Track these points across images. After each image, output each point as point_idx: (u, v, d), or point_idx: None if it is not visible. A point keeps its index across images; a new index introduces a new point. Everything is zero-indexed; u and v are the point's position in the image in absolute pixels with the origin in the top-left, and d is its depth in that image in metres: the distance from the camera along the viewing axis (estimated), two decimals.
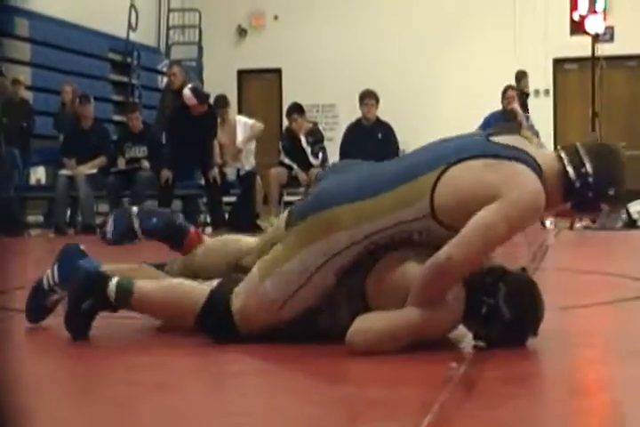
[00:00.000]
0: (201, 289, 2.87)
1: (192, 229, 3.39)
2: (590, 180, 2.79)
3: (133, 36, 15.33)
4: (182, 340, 2.93)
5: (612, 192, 2.85)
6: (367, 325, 2.67)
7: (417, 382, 2.46)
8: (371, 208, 2.71)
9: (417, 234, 2.72)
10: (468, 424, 2.00)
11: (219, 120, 10.30)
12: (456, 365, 2.52)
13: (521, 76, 11.20)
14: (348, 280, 2.77)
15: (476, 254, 2.65)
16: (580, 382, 2.55)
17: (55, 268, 3.10)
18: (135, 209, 3.43)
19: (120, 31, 15.03)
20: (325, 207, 2.74)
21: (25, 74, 11.99)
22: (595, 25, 9.93)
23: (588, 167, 2.79)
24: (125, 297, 2.88)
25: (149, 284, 2.93)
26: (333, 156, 10.32)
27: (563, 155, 2.82)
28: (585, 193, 2.80)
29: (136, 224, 3.38)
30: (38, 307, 3.15)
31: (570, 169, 2.79)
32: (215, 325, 2.81)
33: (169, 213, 3.51)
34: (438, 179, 2.70)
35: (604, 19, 10.11)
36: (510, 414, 2.10)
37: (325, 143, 10.50)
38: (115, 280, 2.89)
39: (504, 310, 2.73)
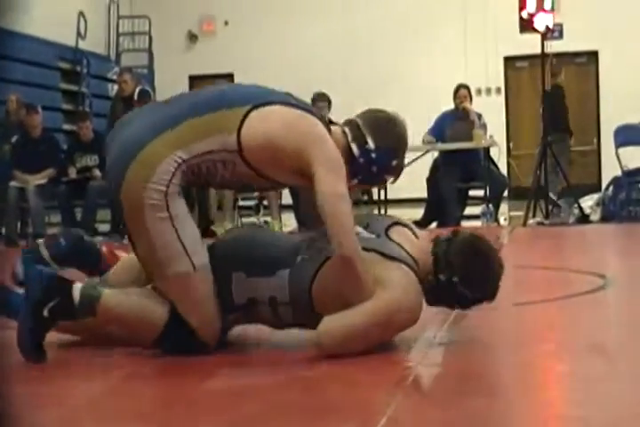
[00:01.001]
0: (162, 308, 2.75)
1: (104, 248, 3.21)
2: (373, 155, 2.88)
3: (83, 44, 15.23)
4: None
5: (394, 163, 2.93)
6: (335, 325, 2.64)
7: (372, 383, 2.46)
8: (173, 137, 2.71)
9: (221, 164, 2.73)
10: (423, 423, 2.00)
11: None
12: (412, 364, 2.52)
13: (558, 71, 11.25)
14: (294, 279, 2.76)
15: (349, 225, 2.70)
16: (534, 377, 2.56)
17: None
18: (41, 240, 3.20)
19: (69, 39, 14.94)
20: (138, 148, 2.70)
21: None
22: (543, 22, 9.96)
23: (370, 143, 2.88)
24: (91, 302, 2.72)
25: (118, 292, 2.79)
26: None
27: (347, 130, 2.91)
28: (369, 168, 2.89)
29: (44, 253, 3.09)
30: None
31: (354, 146, 2.88)
32: (179, 339, 2.73)
33: (78, 232, 3.29)
34: (245, 116, 2.73)
35: (553, 16, 10.17)
36: (464, 414, 2.11)
37: None
38: (79, 284, 2.75)
39: (468, 295, 2.83)
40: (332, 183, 2.68)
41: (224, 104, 2.75)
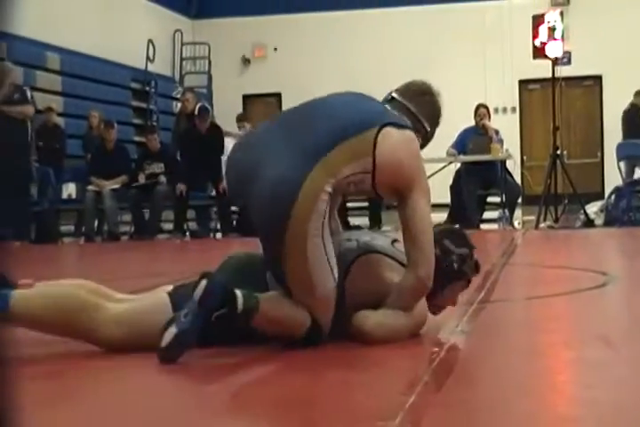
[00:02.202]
0: (305, 315, 2.58)
1: (21, 282, 2.74)
2: (428, 136, 2.91)
3: (151, 67, 15.35)
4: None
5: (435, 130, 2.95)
6: (387, 320, 2.63)
7: (401, 365, 2.45)
8: (330, 165, 2.53)
9: (353, 185, 2.61)
10: (448, 402, 1.99)
11: (242, 132, 10.50)
12: (437, 349, 2.51)
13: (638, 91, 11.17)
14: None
15: (433, 264, 2.65)
16: (546, 363, 2.54)
17: None
18: None
19: (140, 63, 15.05)
20: (301, 181, 2.48)
21: (57, 102, 11.99)
22: (554, 50, 9.89)
23: (427, 126, 2.90)
24: (251, 312, 2.48)
25: (270, 301, 2.54)
26: None
27: (407, 122, 2.81)
28: (426, 144, 2.89)
29: None
30: None
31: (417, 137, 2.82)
32: (313, 340, 2.60)
33: None
34: (376, 138, 2.63)
35: (563, 44, 10.09)
36: (484, 393, 2.09)
37: None
38: (239, 293, 2.47)
39: (463, 252, 2.81)
40: (428, 215, 2.66)
41: (358, 128, 2.62)
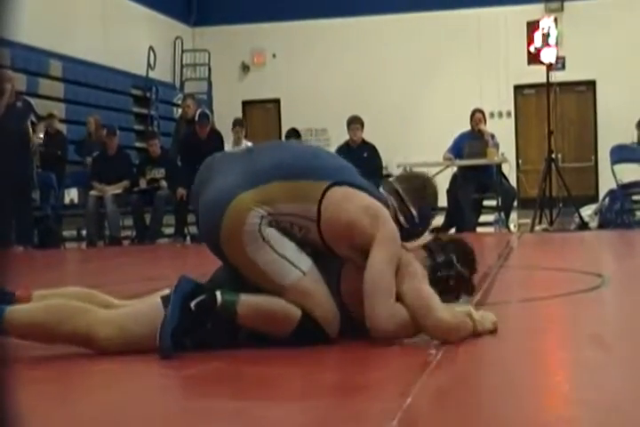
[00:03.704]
0: (295, 309, 2.60)
1: (19, 292, 2.74)
2: (417, 221, 2.88)
3: (152, 74, 15.37)
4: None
5: (432, 220, 2.97)
6: (399, 313, 2.60)
7: (399, 367, 2.44)
8: (266, 193, 2.60)
9: (297, 228, 2.64)
10: (445, 403, 1.99)
11: (235, 137, 10.40)
12: (434, 351, 2.50)
13: None
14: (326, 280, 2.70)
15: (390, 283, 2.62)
16: (541, 364, 2.54)
17: None
18: None
19: (141, 70, 15.07)
20: (226, 201, 2.58)
21: (59, 109, 11.99)
22: (548, 56, 9.91)
23: (414, 212, 2.88)
24: (232, 304, 2.54)
25: (251, 296, 2.59)
26: None
27: (393, 203, 2.86)
28: (414, 230, 2.89)
29: None
30: None
31: (401, 218, 2.85)
32: (311, 336, 2.59)
33: None
34: (325, 191, 2.65)
35: (557, 50, 10.11)
36: (482, 393, 2.09)
37: None
38: (218, 291, 2.57)
39: (464, 272, 2.84)
40: (382, 273, 2.61)
41: (310, 174, 2.67)
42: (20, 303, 2.66)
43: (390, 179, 3.02)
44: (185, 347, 2.53)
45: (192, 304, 2.50)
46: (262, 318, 2.57)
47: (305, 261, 2.63)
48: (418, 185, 2.94)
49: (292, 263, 2.61)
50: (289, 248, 2.62)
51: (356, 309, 2.66)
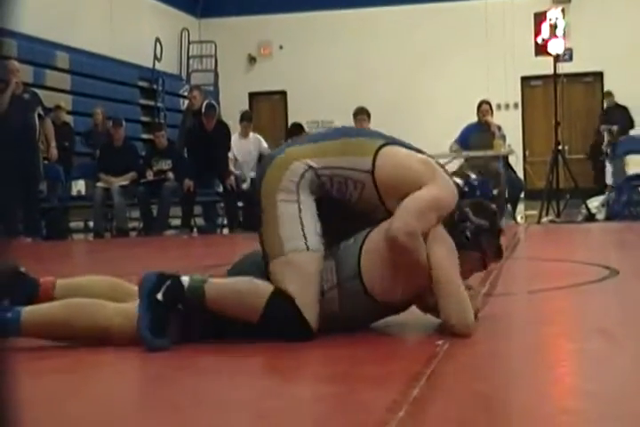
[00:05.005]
0: (265, 287, 2.54)
1: (42, 280, 2.73)
2: (475, 183, 2.85)
3: (159, 66, 15.37)
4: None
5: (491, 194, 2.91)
6: (467, 308, 2.58)
7: (406, 358, 2.44)
8: (319, 147, 2.70)
9: (352, 184, 2.65)
10: (452, 394, 1.99)
11: (242, 131, 10.39)
12: (441, 342, 2.51)
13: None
14: (340, 260, 2.64)
15: (421, 220, 2.59)
16: (548, 355, 2.54)
17: None
18: None
19: (147, 62, 15.07)
20: (273, 158, 2.70)
21: (66, 101, 12.01)
22: (556, 47, 9.88)
23: (473, 180, 2.87)
24: (200, 285, 2.51)
25: (222, 279, 2.60)
26: None
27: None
28: (473, 195, 2.84)
29: None
30: None
31: (457, 179, 2.83)
32: (282, 318, 2.50)
33: (14, 265, 2.69)
34: (381, 146, 2.70)
35: (564, 41, 10.08)
36: (488, 384, 2.10)
37: None
38: (186, 276, 2.56)
39: (482, 222, 2.75)
40: (449, 262, 2.60)
41: (362, 134, 2.81)
42: (43, 290, 2.67)
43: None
44: (172, 338, 2.49)
45: (158, 296, 2.48)
46: (229, 299, 2.51)
47: (316, 243, 2.60)
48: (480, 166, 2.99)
49: (305, 235, 2.58)
50: (311, 222, 2.61)
51: (375, 281, 2.60)
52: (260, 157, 9.84)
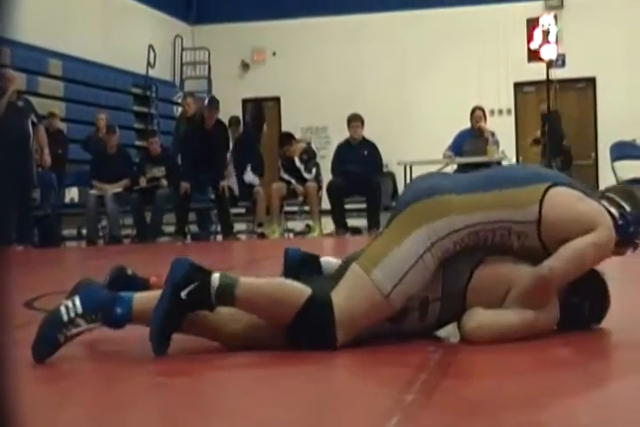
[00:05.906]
0: (301, 290, 2.49)
1: (153, 278, 2.81)
2: (630, 218, 2.78)
3: (152, 73, 15.37)
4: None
5: None
6: (489, 320, 2.58)
7: (400, 364, 2.44)
8: (481, 200, 2.61)
9: (515, 236, 2.63)
10: (444, 400, 1.99)
11: (232, 136, 10.45)
12: (434, 349, 2.51)
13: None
14: (449, 276, 2.63)
15: (571, 271, 2.64)
16: (542, 360, 2.54)
17: (77, 299, 2.44)
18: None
19: (140, 68, 15.07)
20: (433, 195, 2.59)
21: (59, 108, 11.99)
22: (548, 53, 9.94)
23: (626, 207, 2.80)
24: (230, 287, 2.43)
25: (253, 279, 2.52)
26: (326, 171, 10.32)
27: (605, 203, 2.80)
28: (626, 230, 2.78)
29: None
30: (50, 340, 2.39)
31: (613, 210, 2.78)
32: (313, 325, 2.46)
33: (122, 268, 2.87)
34: (546, 191, 2.66)
35: (557, 47, 10.12)
36: (483, 389, 2.10)
37: (319, 160, 10.51)
38: (217, 273, 2.46)
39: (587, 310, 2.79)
40: (588, 255, 2.64)
41: (525, 181, 2.69)
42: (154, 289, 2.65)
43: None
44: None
45: (182, 294, 2.40)
46: (262, 301, 2.45)
47: (397, 301, 2.52)
48: (630, 189, 2.95)
49: (396, 285, 2.50)
50: (410, 282, 2.52)
51: (475, 305, 2.62)
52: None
